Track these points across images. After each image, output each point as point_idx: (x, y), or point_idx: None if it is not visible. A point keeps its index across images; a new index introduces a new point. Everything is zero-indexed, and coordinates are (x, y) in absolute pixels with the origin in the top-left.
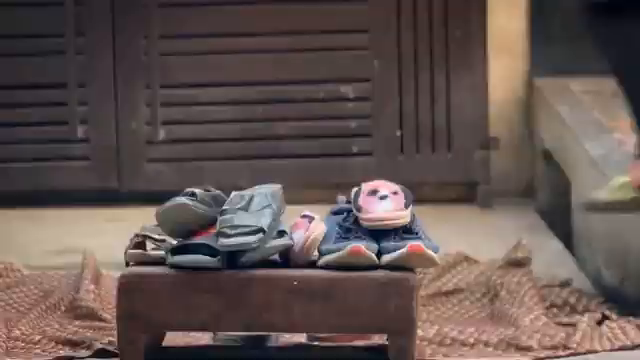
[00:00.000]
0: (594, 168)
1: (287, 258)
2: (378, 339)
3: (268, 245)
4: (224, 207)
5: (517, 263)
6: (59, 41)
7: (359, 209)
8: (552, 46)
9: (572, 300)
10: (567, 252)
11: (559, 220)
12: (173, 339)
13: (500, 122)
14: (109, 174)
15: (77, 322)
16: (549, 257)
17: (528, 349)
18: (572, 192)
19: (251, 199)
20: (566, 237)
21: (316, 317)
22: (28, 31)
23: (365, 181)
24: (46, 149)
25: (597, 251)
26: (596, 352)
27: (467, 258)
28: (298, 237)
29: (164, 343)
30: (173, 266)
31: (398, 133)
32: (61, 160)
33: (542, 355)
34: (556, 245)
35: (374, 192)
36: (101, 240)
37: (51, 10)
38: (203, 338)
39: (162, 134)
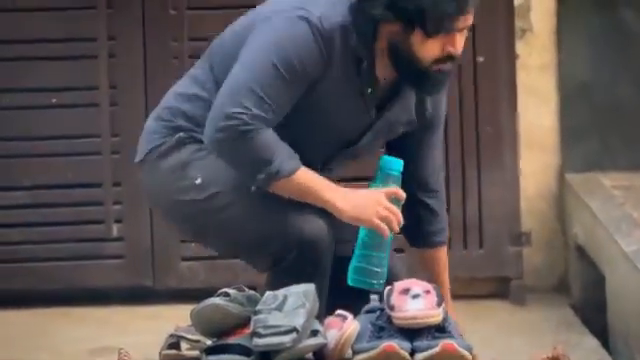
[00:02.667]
0: (628, 263)
1: (321, 357)
2: None
3: (302, 345)
4: (258, 307)
5: None
6: (97, 141)
7: (392, 308)
8: (583, 141)
9: None
10: (603, 349)
11: (594, 316)
12: None
13: (532, 217)
14: (143, 272)
15: None
16: (584, 354)
17: None
18: (606, 287)
19: (285, 299)
20: (601, 333)
21: None
22: (64, 132)
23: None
24: (81, 248)
25: (634, 348)
26: None
27: None
28: (331, 336)
29: None
30: None
31: None
32: (96, 259)
33: None
34: (591, 342)
35: (406, 291)
36: (136, 339)
37: (88, 112)
38: None
39: None
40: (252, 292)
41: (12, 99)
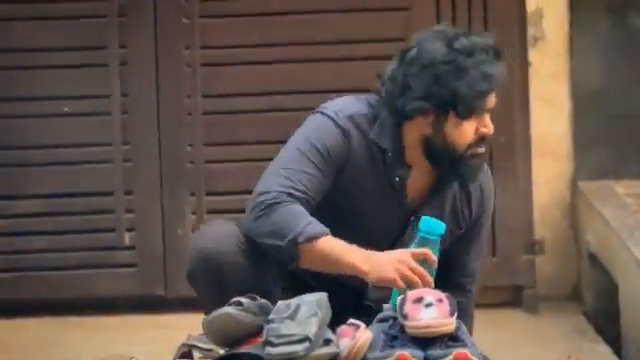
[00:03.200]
0: None
1: None
2: None
3: (315, 354)
4: (271, 316)
5: None
6: (108, 149)
7: (405, 317)
8: (595, 149)
9: None
10: (616, 357)
11: (607, 324)
12: None
13: (545, 225)
14: (155, 281)
15: None
16: None
17: None
18: (619, 295)
19: (297, 308)
20: (614, 341)
21: None
22: (77, 141)
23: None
24: (93, 256)
25: None
26: None
27: None
28: (344, 345)
29: None
30: None
31: None
32: (107, 267)
33: None
34: (604, 350)
35: (419, 300)
36: (147, 347)
37: (100, 121)
38: None
39: None
40: (264, 301)
41: (24, 107)
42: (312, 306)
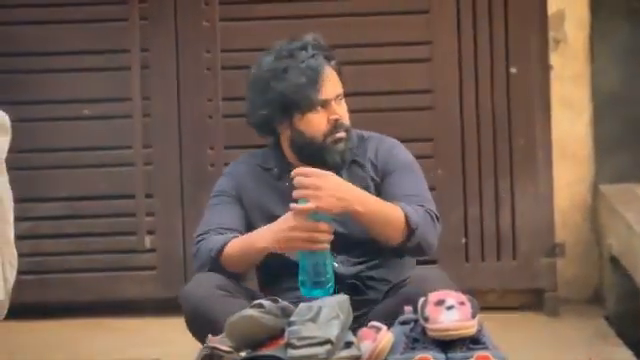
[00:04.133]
0: None
1: None
2: None
3: (336, 356)
4: (292, 318)
5: None
6: (129, 152)
7: (426, 319)
8: (616, 152)
9: None
10: None
11: (628, 327)
12: None
13: (566, 228)
14: (176, 284)
15: None
16: None
17: None
18: None
19: (319, 310)
20: (636, 345)
21: None
22: (99, 144)
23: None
24: (114, 259)
25: None
26: None
27: None
28: (365, 348)
29: None
30: None
31: (463, 241)
32: (128, 270)
33: None
34: (626, 354)
35: (441, 302)
36: (168, 350)
37: (121, 124)
38: None
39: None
40: (286, 303)
41: (45, 111)
42: (334, 309)
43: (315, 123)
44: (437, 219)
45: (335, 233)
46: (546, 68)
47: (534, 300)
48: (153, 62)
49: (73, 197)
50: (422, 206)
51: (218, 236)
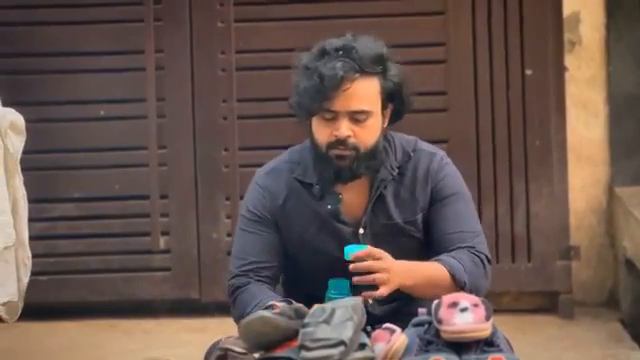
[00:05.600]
0: None
1: None
2: None
3: (350, 358)
4: (306, 320)
5: None
6: (144, 153)
7: (440, 321)
8: (632, 155)
9: None
10: None
11: None
12: None
13: (581, 231)
14: (190, 285)
15: None
16: None
17: None
18: None
19: (333, 312)
20: None
21: None
22: (114, 145)
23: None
24: (128, 260)
25: None
26: None
27: None
28: (379, 349)
29: None
30: None
31: None
32: (143, 271)
33: None
34: None
35: (455, 304)
36: (182, 351)
37: (136, 125)
38: None
39: None
40: (300, 305)
41: (60, 111)
42: (347, 310)
43: (319, 131)
44: (487, 260)
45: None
46: (561, 70)
47: (549, 302)
48: (168, 63)
49: (88, 198)
50: (470, 248)
51: (256, 291)
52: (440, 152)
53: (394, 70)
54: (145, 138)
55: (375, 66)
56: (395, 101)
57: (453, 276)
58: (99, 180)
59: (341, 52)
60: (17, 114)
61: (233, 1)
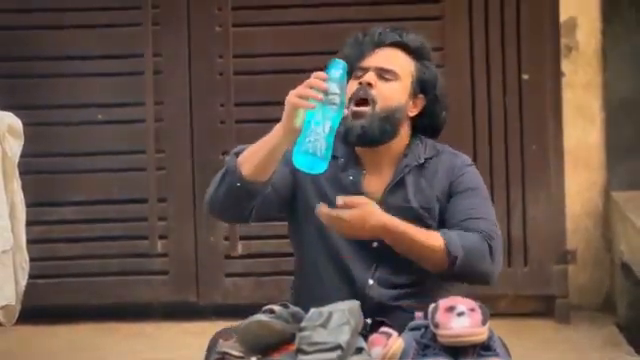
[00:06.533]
0: None
1: None
2: None
3: None
4: (303, 324)
5: None
6: (142, 157)
7: (436, 325)
8: (628, 159)
9: None
10: None
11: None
12: None
13: (577, 235)
14: (188, 288)
15: None
16: None
17: None
18: None
19: (330, 316)
20: None
21: None
22: (111, 149)
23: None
24: (126, 263)
25: None
26: None
27: None
28: (376, 353)
29: None
30: None
31: None
32: (140, 274)
33: None
34: None
35: (451, 308)
36: (180, 354)
37: (134, 128)
38: None
39: (240, 249)
40: (297, 309)
41: (58, 115)
42: (344, 314)
43: (349, 91)
44: (496, 246)
45: (382, 244)
46: (558, 75)
47: (545, 306)
48: (166, 67)
49: (86, 201)
50: (481, 232)
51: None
52: (467, 157)
53: (432, 67)
54: (143, 142)
55: (416, 50)
56: (427, 96)
57: (447, 247)
58: (97, 184)
59: (389, 28)
60: (15, 118)
61: (231, 5)
